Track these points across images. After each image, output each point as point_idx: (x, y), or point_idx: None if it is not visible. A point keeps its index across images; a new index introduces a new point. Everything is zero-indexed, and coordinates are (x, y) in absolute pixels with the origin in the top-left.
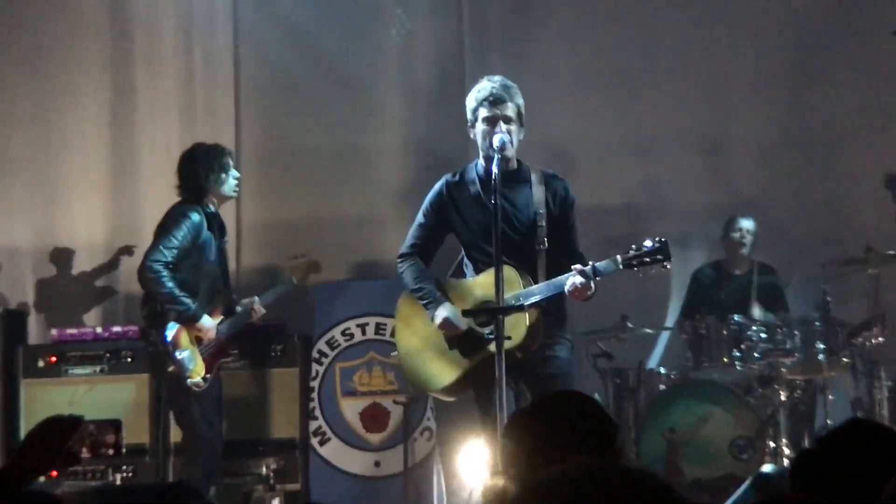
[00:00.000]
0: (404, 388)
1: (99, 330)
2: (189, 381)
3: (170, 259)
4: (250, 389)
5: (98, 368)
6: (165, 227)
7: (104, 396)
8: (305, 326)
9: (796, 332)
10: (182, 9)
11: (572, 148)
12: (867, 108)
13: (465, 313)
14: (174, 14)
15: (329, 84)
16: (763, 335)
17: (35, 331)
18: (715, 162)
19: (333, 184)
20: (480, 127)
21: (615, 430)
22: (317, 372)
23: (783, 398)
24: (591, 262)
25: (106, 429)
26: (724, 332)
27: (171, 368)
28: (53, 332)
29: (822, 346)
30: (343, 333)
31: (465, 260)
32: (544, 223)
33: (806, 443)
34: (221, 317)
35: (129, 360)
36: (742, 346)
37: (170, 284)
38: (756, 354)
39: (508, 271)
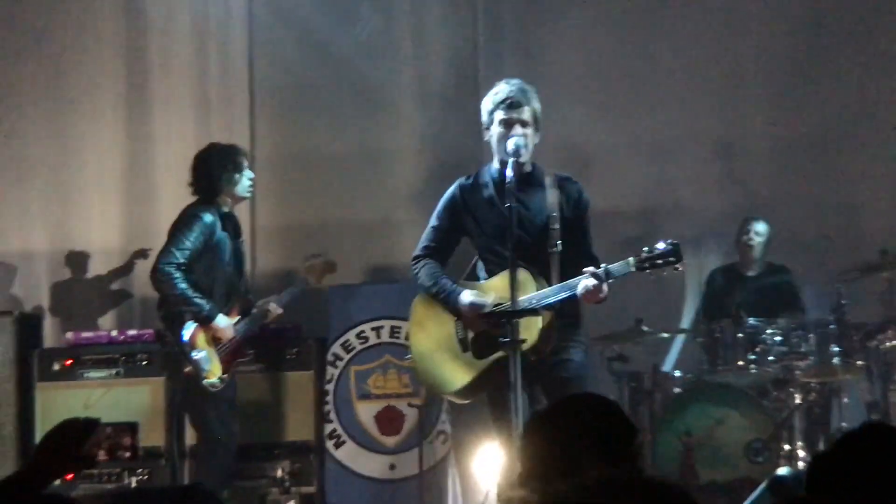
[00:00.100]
0: (419, 391)
1: (114, 333)
2: (206, 381)
3: (182, 261)
4: (265, 392)
5: (113, 372)
6: (177, 230)
7: (119, 400)
8: (320, 329)
9: (811, 335)
10: (197, 13)
11: (586, 150)
12: (881, 110)
13: (481, 316)
14: (189, 18)
15: (343, 87)
16: (778, 338)
17: (50, 334)
18: (729, 164)
19: (348, 186)
20: (496, 130)
21: (634, 432)
22: (332, 375)
23: (798, 401)
24: (603, 265)
25: (122, 431)
26: (739, 334)
27: (187, 369)
28: (69, 335)
29: (836, 348)
30: (358, 336)
31: (479, 263)
32: (558, 226)
33: (821, 446)
34: (238, 317)
35: (145, 363)
36: (757, 349)
37: (182, 286)
38: (771, 357)
39: (522, 274)
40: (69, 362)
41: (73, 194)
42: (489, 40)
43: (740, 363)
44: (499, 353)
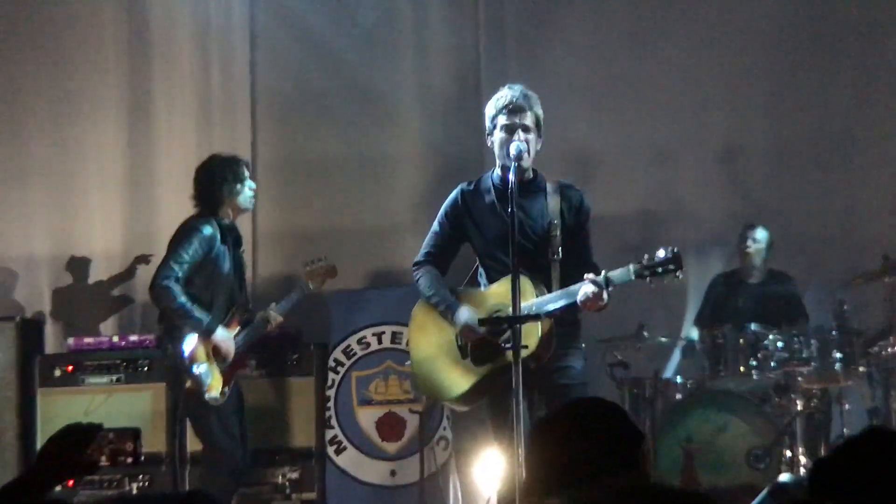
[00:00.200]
0: (420, 397)
1: (115, 339)
2: (207, 395)
3: (180, 274)
4: (266, 398)
5: (114, 377)
6: (175, 243)
7: (121, 405)
8: (322, 335)
9: (813, 342)
10: (199, 18)
11: (589, 156)
12: (884, 116)
13: (482, 322)
14: (191, 23)
15: (346, 93)
16: (779, 344)
17: (52, 340)
18: (732, 170)
19: (350, 192)
20: (498, 135)
21: (640, 438)
22: (333, 381)
23: (800, 407)
24: (603, 272)
25: (125, 437)
26: (741, 341)
27: (188, 384)
28: (70, 341)
29: (838, 355)
30: (359, 342)
31: (480, 269)
32: (559, 233)
33: (822, 452)
34: (238, 328)
35: (146, 369)
36: (758, 356)
37: (181, 299)
38: (772, 363)
39: (522, 281)
40: (70, 368)
41: (74, 200)
42: (491, 46)
43: (742, 369)
44: (499, 361)
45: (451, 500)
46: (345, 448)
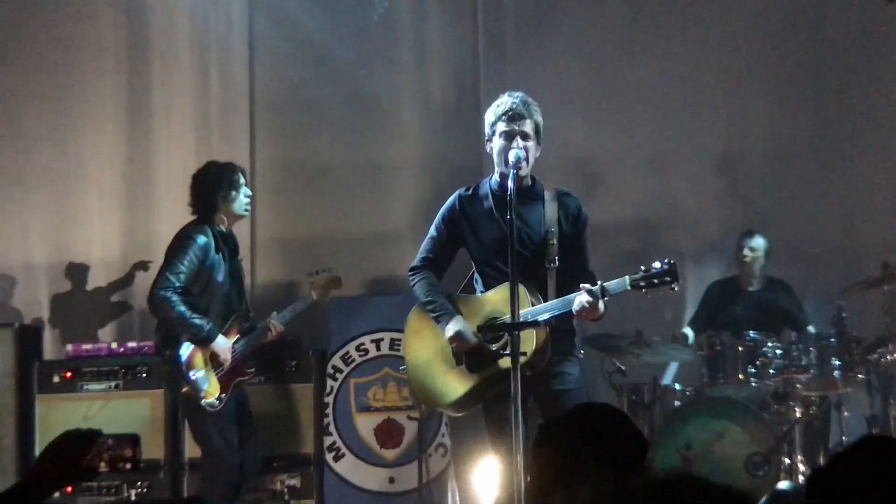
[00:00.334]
0: (419, 404)
1: (114, 345)
2: (204, 401)
3: (177, 284)
4: (265, 405)
5: (113, 384)
6: (171, 253)
7: (119, 412)
8: (320, 342)
9: (811, 349)
10: (198, 26)
11: (587, 163)
12: (883, 123)
13: (481, 329)
14: (190, 32)
15: (344, 100)
16: (778, 351)
17: (50, 346)
18: (730, 177)
19: (348, 200)
20: (497, 142)
21: (645, 443)
22: (331, 387)
23: (798, 414)
24: (599, 282)
25: (124, 443)
26: (740, 348)
27: (185, 389)
28: (68, 347)
29: (837, 362)
30: (358, 349)
31: (476, 275)
32: (555, 241)
33: (821, 459)
34: (237, 336)
35: (144, 375)
36: (757, 363)
37: (181, 308)
38: (771, 371)
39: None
40: (69, 374)
41: (73, 206)
42: (490, 53)
43: (741, 376)
44: (494, 368)
45: None
46: (343, 455)
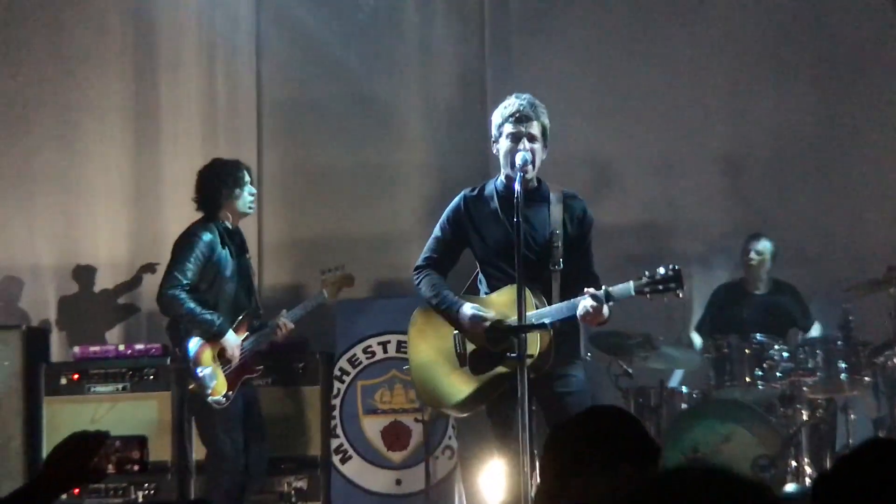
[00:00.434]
0: (425, 406)
1: (121, 347)
2: (210, 398)
3: (185, 282)
4: (272, 407)
5: (120, 386)
6: (176, 252)
7: (126, 414)
8: (327, 344)
9: (818, 352)
10: (204, 28)
11: (592, 166)
12: (888, 126)
13: (488, 331)
14: (197, 33)
15: (351, 103)
16: (785, 354)
17: (57, 348)
18: (735, 180)
19: (355, 202)
20: (504, 143)
21: (657, 448)
22: (338, 390)
23: (805, 417)
24: (604, 287)
25: (131, 445)
26: (746, 351)
27: (191, 386)
28: (76, 349)
29: (843, 365)
30: (365, 351)
31: (480, 276)
32: (560, 244)
33: (828, 462)
34: (247, 333)
35: (152, 377)
36: (764, 365)
37: (190, 305)
38: (778, 373)
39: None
40: (76, 376)
41: (80, 208)
42: (497, 56)
43: (747, 379)
44: (499, 369)
45: None
46: (350, 457)
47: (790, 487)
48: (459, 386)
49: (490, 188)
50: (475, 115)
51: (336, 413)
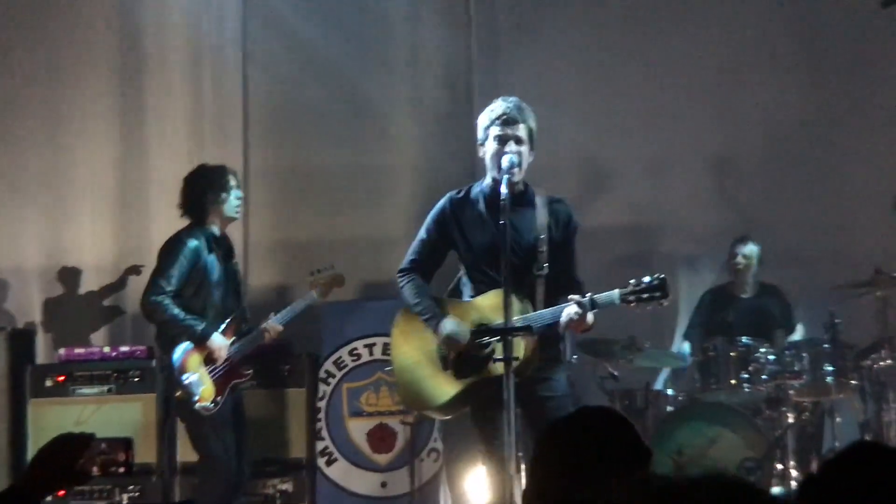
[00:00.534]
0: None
1: (107, 349)
2: (198, 405)
3: (168, 289)
4: (257, 409)
5: (106, 388)
6: (161, 259)
7: (112, 416)
8: (313, 346)
9: (804, 355)
10: (191, 30)
11: (581, 168)
12: (876, 129)
13: (474, 334)
14: (183, 35)
15: (338, 104)
16: (771, 357)
17: (43, 350)
18: (724, 182)
19: (342, 203)
20: (491, 146)
21: (648, 450)
22: (324, 392)
23: (791, 420)
24: (588, 294)
25: (117, 447)
26: (732, 353)
27: (178, 393)
28: (61, 351)
29: (830, 368)
30: (350, 353)
31: (464, 279)
32: (545, 248)
33: (814, 465)
34: (234, 337)
35: (137, 379)
36: (750, 368)
37: (173, 311)
38: (764, 376)
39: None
40: (61, 378)
41: (65, 210)
42: (485, 58)
43: (733, 382)
44: (481, 372)
45: None
46: (335, 459)
47: (776, 490)
48: (443, 388)
49: (476, 191)
50: (463, 118)
51: (321, 415)
